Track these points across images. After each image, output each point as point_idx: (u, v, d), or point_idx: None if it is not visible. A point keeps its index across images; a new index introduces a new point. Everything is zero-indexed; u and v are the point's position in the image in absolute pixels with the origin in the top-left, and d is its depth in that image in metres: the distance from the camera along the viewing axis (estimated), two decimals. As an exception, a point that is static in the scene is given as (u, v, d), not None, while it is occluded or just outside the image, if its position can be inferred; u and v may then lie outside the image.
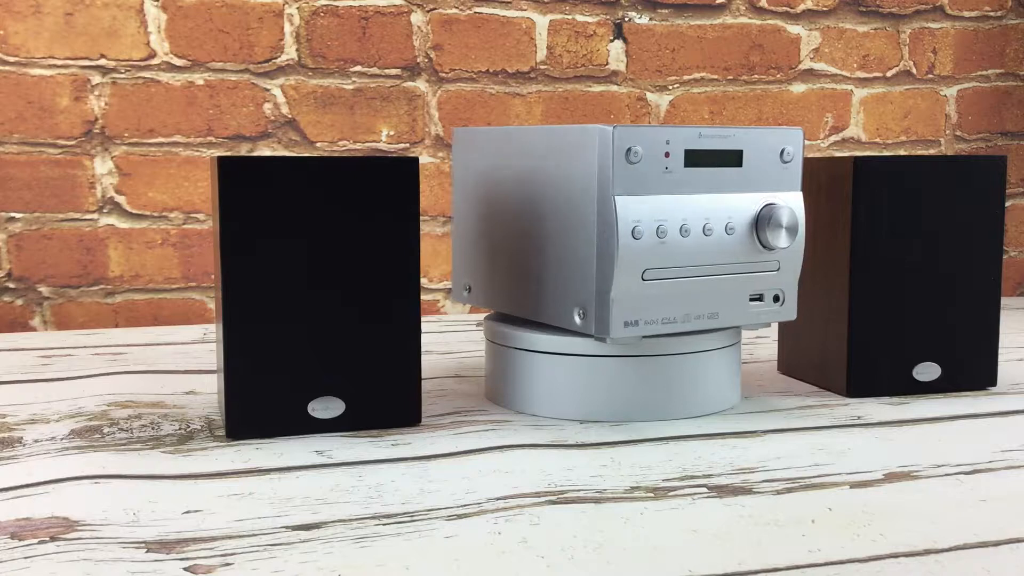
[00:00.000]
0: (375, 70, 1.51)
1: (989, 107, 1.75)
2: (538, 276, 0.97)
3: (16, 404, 1.01)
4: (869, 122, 1.70)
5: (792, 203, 0.96)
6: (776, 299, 0.97)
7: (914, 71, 1.71)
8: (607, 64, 1.59)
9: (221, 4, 1.46)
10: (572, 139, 0.92)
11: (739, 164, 0.94)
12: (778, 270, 0.96)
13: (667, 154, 0.91)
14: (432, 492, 0.76)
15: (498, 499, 0.75)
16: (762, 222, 0.94)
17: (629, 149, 0.89)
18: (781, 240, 0.94)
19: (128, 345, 1.32)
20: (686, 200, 0.92)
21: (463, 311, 1.59)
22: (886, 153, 1.71)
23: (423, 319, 1.02)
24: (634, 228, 0.89)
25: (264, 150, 1.49)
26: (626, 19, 1.59)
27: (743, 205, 0.94)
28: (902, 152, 1.72)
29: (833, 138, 1.69)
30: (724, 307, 0.96)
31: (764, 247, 0.95)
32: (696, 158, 0.92)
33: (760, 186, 0.95)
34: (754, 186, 0.95)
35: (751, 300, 0.96)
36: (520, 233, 0.99)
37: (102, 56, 1.43)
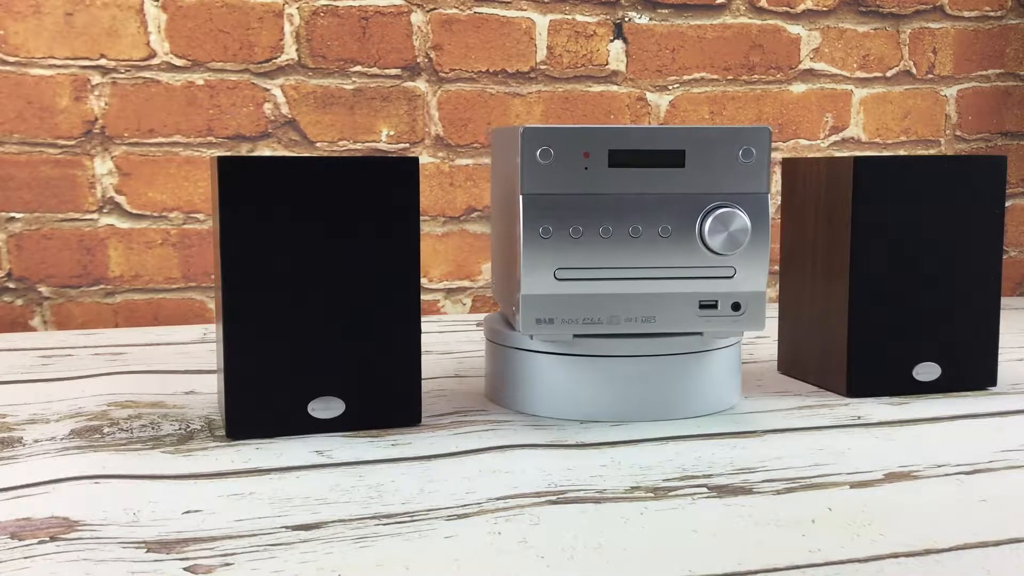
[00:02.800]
0: (375, 70, 1.51)
1: (989, 107, 1.75)
2: (508, 275, 0.99)
3: (16, 404, 1.01)
4: (869, 122, 1.70)
5: (751, 205, 0.92)
6: (736, 307, 0.94)
7: (914, 71, 1.71)
8: (607, 64, 1.59)
9: (221, 4, 1.46)
10: (510, 139, 0.94)
11: (681, 165, 0.91)
12: (733, 276, 0.93)
13: (586, 154, 0.91)
14: (432, 492, 0.76)
15: (498, 499, 0.75)
16: (704, 225, 0.91)
17: (540, 149, 0.90)
18: (724, 244, 0.91)
19: (128, 345, 1.32)
20: (608, 201, 0.91)
21: (463, 311, 1.59)
22: (886, 153, 1.71)
23: (423, 319, 1.02)
24: (542, 227, 0.90)
25: (264, 150, 1.49)
26: (626, 19, 1.59)
27: (684, 207, 0.91)
28: (902, 152, 1.72)
29: (833, 138, 1.69)
30: (663, 312, 0.93)
31: (710, 251, 0.92)
32: (623, 159, 0.91)
33: (718, 187, 0.92)
34: (708, 187, 0.92)
35: (702, 307, 0.93)
36: (502, 235, 1.01)
37: (102, 56, 1.43)
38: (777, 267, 1.32)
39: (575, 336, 0.93)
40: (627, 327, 0.93)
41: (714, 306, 0.93)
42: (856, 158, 1.00)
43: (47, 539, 0.67)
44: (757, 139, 0.92)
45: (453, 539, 0.67)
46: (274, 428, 0.89)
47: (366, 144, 1.52)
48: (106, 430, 0.92)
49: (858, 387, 1.03)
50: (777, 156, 1.67)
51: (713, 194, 0.92)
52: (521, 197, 0.91)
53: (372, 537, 0.68)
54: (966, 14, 1.72)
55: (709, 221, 0.90)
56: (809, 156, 1.58)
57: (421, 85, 1.53)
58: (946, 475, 0.80)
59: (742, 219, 0.91)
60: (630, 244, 0.91)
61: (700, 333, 0.94)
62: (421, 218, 1.51)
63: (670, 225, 0.91)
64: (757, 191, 0.92)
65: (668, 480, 0.79)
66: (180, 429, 0.92)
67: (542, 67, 1.56)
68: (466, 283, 1.58)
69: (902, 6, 1.69)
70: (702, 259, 0.92)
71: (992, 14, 1.73)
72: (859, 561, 0.64)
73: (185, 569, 0.62)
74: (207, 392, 1.06)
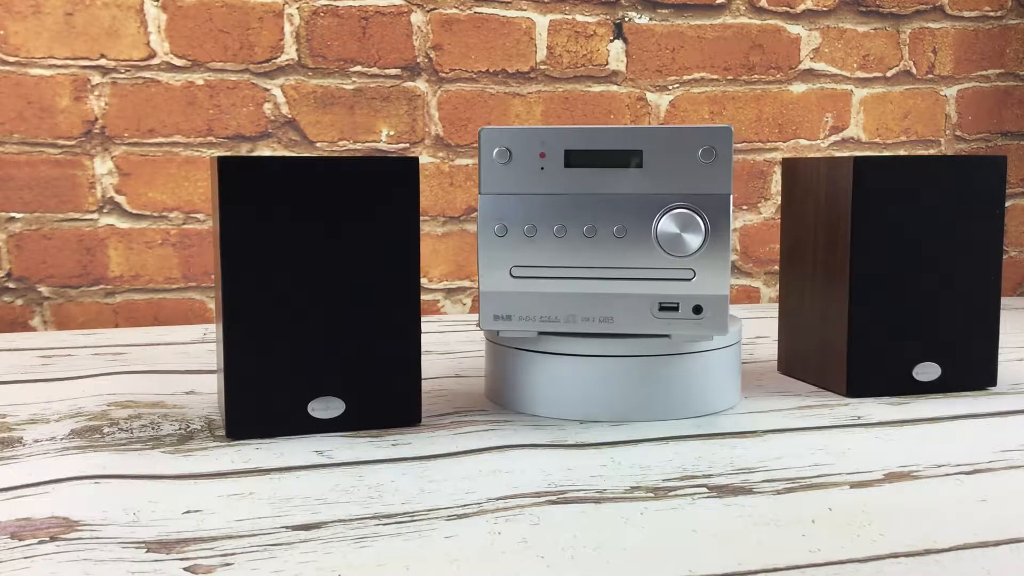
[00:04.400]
0: (375, 70, 1.51)
1: (989, 107, 1.75)
2: None
3: (16, 404, 1.01)
4: (869, 122, 1.70)
5: (711, 206, 0.90)
6: (697, 310, 0.92)
7: (914, 71, 1.71)
8: (607, 64, 1.59)
9: (221, 4, 1.46)
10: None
11: (639, 165, 0.91)
12: (692, 279, 0.92)
13: (542, 154, 0.92)
14: (432, 492, 0.76)
15: (498, 499, 0.75)
16: (659, 226, 0.90)
17: (497, 149, 0.92)
18: (677, 246, 0.90)
19: (128, 345, 1.32)
20: (563, 200, 0.92)
21: (463, 311, 1.59)
22: (886, 153, 1.71)
23: (423, 319, 1.02)
24: (497, 226, 0.92)
25: (264, 150, 1.49)
26: (626, 19, 1.59)
27: (640, 208, 0.91)
28: (902, 152, 1.72)
29: (833, 138, 1.69)
30: (621, 313, 0.93)
31: (666, 253, 0.91)
32: (579, 159, 0.92)
33: (677, 187, 0.91)
34: (667, 187, 0.91)
35: (662, 309, 0.92)
36: None
37: (102, 56, 1.43)
38: (777, 267, 1.32)
39: (540, 334, 0.94)
40: (585, 327, 0.94)
41: (675, 308, 0.92)
42: (856, 158, 1.00)
43: (47, 539, 0.67)
44: (718, 139, 0.90)
45: (453, 539, 0.67)
46: (274, 428, 0.89)
47: (366, 144, 1.52)
48: (106, 430, 0.92)
49: (858, 387, 1.03)
50: (777, 156, 1.67)
51: (671, 194, 0.91)
52: (480, 196, 0.93)
53: (372, 537, 0.68)
54: (966, 14, 1.72)
55: (663, 222, 0.90)
56: (809, 156, 1.58)
57: (421, 85, 1.53)
58: (946, 475, 0.80)
59: (697, 220, 0.90)
60: (585, 244, 0.92)
61: (668, 336, 0.94)
62: (421, 218, 1.51)
63: (626, 225, 0.91)
64: (717, 192, 0.91)
65: (668, 480, 0.79)
66: (180, 429, 0.92)
67: (542, 67, 1.56)
68: (466, 283, 1.58)
69: (902, 6, 1.69)
70: (659, 260, 0.91)
71: (992, 14, 1.73)
72: (859, 561, 0.64)
73: (185, 569, 0.62)
74: (207, 392, 1.06)
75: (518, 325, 0.94)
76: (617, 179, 0.91)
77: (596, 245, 0.92)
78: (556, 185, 0.92)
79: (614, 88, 1.59)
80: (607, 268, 0.92)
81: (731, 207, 0.91)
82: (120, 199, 1.46)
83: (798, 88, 1.66)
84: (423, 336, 1.07)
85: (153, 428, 0.92)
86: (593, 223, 0.91)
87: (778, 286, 1.18)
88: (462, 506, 0.73)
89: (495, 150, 0.92)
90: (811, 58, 1.66)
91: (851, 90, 1.69)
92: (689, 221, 0.89)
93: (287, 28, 1.48)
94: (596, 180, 0.92)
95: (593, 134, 0.92)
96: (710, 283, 0.91)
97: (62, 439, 0.89)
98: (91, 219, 1.46)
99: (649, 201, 0.91)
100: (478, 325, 0.96)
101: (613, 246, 0.92)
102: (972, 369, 1.05)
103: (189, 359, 1.23)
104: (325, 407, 0.90)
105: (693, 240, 0.90)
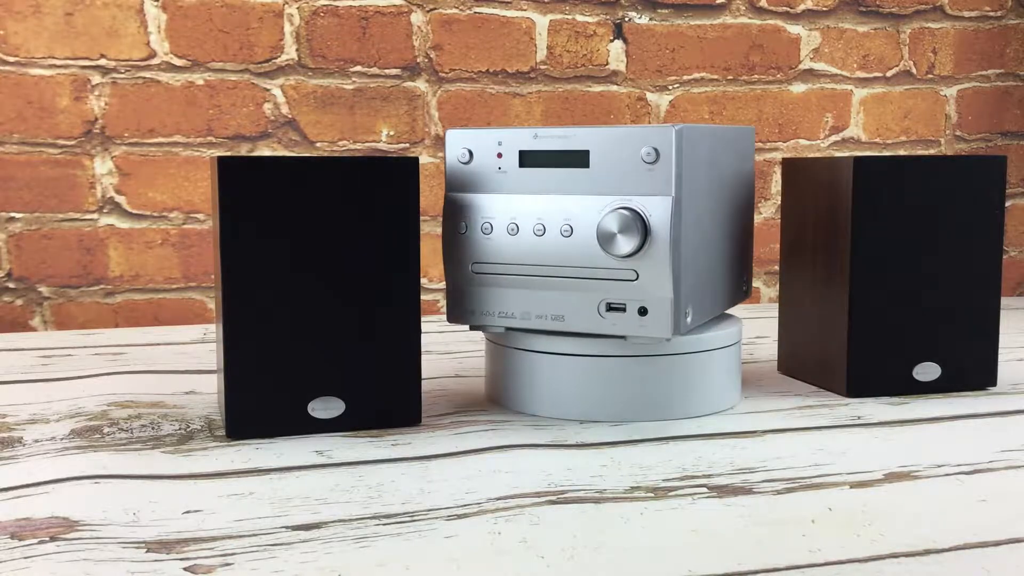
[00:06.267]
0: (375, 70, 1.51)
1: (989, 107, 1.75)
2: None
3: (16, 404, 1.01)
4: (869, 122, 1.70)
5: (654, 208, 0.88)
6: (642, 312, 0.91)
7: (914, 71, 1.71)
8: (607, 64, 1.59)
9: (221, 4, 1.46)
10: None
11: (586, 165, 0.91)
12: (636, 279, 0.90)
13: (499, 155, 0.94)
14: (432, 492, 0.76)
15: (498, 499, 0.75)
16: (599, 226, 0.90)
17: (459, 150, 0.96)
18: (614, 247, 0.89)
19: (128, 345, 1.32)
20: (516, 200, 0.94)
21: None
22: (886, 153, 1.71)
23: (423, 319, 1.02)
24: (459, 223, 0.96)
25: (264, 150, 1.49)
26: (626, 19, 1.59)
27: (585, 208, 0.91)
28: (902, 152, 1.72)
29: (833, 138, 1.69)
30: (571, 311, 0.93)
31: (607, 253, 0.90)
32: (531, 159, 0.93)
33: (620, 188, 0.90)
34: (611, 188, 0.90)
35: (610, 309, 0.92)
36: None
37: (102, 56, 1.43)
38: (777, 267, 1.32)
39: (508, 328, 0.97)
40: (538, 323, 0.95)
41: (622, 309, 0.92)
42: (856, 158, 1.00)
43: (47, 539, 0.67)
44: (662, 139, 0.89)
45: (453, 539, 0.67)
46: (274, 428, 0.89)
47: (366, 144, 1.52)
48: (106, 430, 0.92)
49: (858, 387, 1.03)
50: (777, 156, 1.67)
51: (615, 195, 0.90)
52: (445, 195, 0.97)
53: (372, 537, 0.68)
54: (966, 14, 1.72)
55: (602, 222, 0.89)
56: (809, 156, 1.58)
57: (421, 85, 1.53)
58: (946, 475, 0.80)
59: (633, 222, 0.88)
60: (536, 243, 0.93)
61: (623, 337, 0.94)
62: (421, 218, 1.51)
63: (572, 225, 0.92)
64: (660, 193, 0.89)
65: (668, 480, 0.79)
66: (180, 429, 0.92)
67: (542, 67, 1.56)
68: (466, 283, 1.58)
69: (902, 6, 1.69)
70: (604, 260, 0.91)
71: (992, 14, 1.73)
72: (859, 561, 0.64)
73: (185, 569, 0.62)
74: (207, 392, 1.06)
75: (480, 320, 0.97)
76: (566, 179, 0.92)
77: (546, 244, 0.93)
78: (511, 185, 0.94)
79: (614, 88, 1.59)
80: (556, 267, 0.93)
81: (676, 209, 0.88)
82: (120, 199, 1.46)
83: (798, 88, 1.66)
84: (423, 336, 1.07)
85: (153, 428, 0.92)
86: (543, 222, 0.93)
87: (778, 286, 1.18)
88: (462, 506, 0.73)
89: (458, 151, 0.96)
90: (811, 58, 1.66)
91: (851, 90, 1.69)
92: (626, 222, 0.88)
93: (287, 28, 1.48)
94: (547, 180, 0.93)
95: (544, 135, 0.93)
96: (652, 285, 0.90)
97: (62, 439, 0.89)
98: (91, 219, 1.46)
99: (593, 202, 0.91)
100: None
101: (561, 245, 0.92)
102: (972, 369, 1.05)
103: (189, 359, 1.23)
104: (325, 407, 0.90)
105: (629, 241, 0.89)
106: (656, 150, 0.88)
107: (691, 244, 0.92)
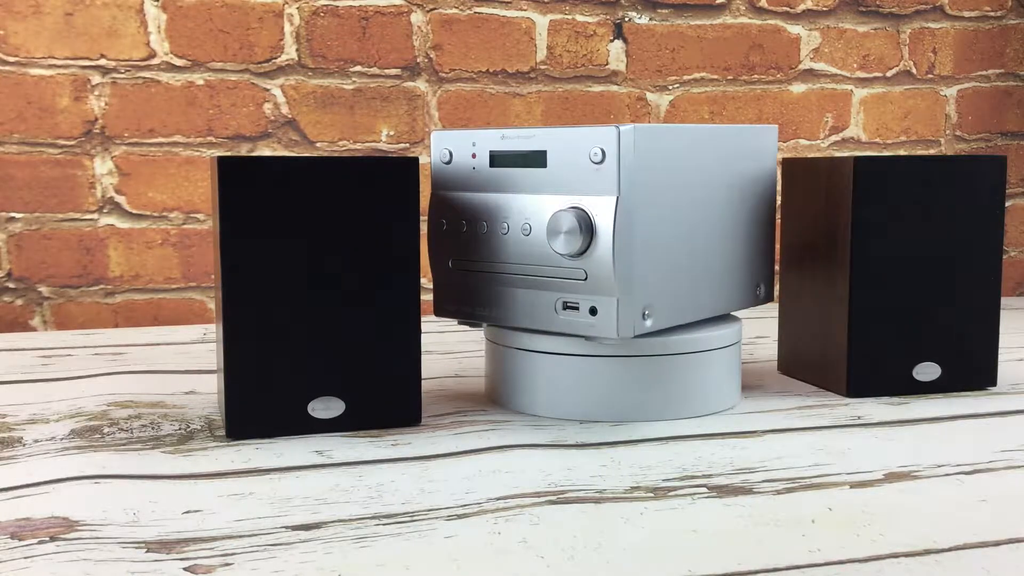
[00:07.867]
0: (375, 70, 1.51)
1: (989, 107, 1.75)
2: None
3: (16, 404, 1.01)
4: (869, 122, 1.70)
5: (595, 208, 0.88)
6: (592, 312, 0.91)
7: (914, 71, 1.71)
8: (607, 64, 1.59)
9: (221, 4, 1.46)
10: None
11: (544, 165, 0.92)
12: (586, 279, 0.90)
13: (474, 155, 0.97)
14: (432, 492, 0.76)
15: (498, 499, 0.75)
16: (548, 226, 0.90)
17: (441, 151, 1.00)
18: (559, 246, 0.90)
19: (128, 345, 1.32)
20: (486, 198, 0.96)
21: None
22: (886, 153, 1.71)
23: (423, 319, 1.02)
24: (440, 221, 1.00)
25: (264, 150, 1.49)
26: (626, 19, 1.59)
27: (541, 207, 0.92)
28: (902, 152, 1.72)
29: (833, 138, 1.69)
30: (534, 310, 0.95)
31: (556, 253, 0.91)
32: (500, 159, 0.95)
33: (572, 188, 0.91)
34: (565, 188, 0.91)
35: (566, 308, 0.93)
36: None
37: (102, 56, 1.43)
38: (777, 267, 1.32)
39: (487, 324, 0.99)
40: (508, 319, 0.97)
41: (576, 308, 0.92)
42: (856, 158, 1.00)
43: (47, 539, 0.67)
44: (606, 140, 0.89)
45: (453, 539, 0.67)
46: (274, 428, 0.89)
47: (366, 144, 1.52)
48: (106, 430, 0.92)
49: (858, 387, 1.03)
50: (777, 156, 1.66)
51: (568, 195, 0.91)
52: (432, 194, 1.01)
53: (372, 537, 0.68)
54: (966, 14, 1.72)
55: (551, 222, 0.90)
56: (809, 156, 1.58)
57: (421, 85, 1.53)
58: (946, 475, 0.80)
59: (574, 222, 0.89)
60: (502, 241, 0.95)
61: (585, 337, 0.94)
62: (421, 218, 1.51)
63: (531, 224, 0.93)
64: (606, 193, 0.89)
65: (668, 480, 0.79)
66: (180, 429, 0.92)
67: (542, 67, 1.56)
68: (466, 283, 1.58)
69: (902, 6, 1.69)
70: (558, 260, 0.92)
71: (992, 14, 1.73)
72: (859, 561, 0.64)
73: (185, 569, 0.62)
74: (207, 392, 1.06)
75: (460, 315, 1.01)
76: (528, 179, 0.94)
77: (509, 243, 0.95)
78: (482, 184, 0.97)
79: (614, 88, 1.59)
80: (519, 265, 0.95)
81: (622, 209, 0.88)
82: (120, 199, 1.46)
83: (798, 88, 1.66)
84: (423, 336, 1.07)
85: (153, 428, 0.92)
86: (507, 221, 0.95)
87: (778, 286, 1.18)
88: (462, 506, 0.73)
89: (440, 151, 1.00)
90: (811, 58, 1.66)
91: (851, 90, 1.69)
92: (570, 223, 0.89)
93: (287, 28, 1.48)
94: (513, 180, 0.95)
95: (511, 135, 0.95)
96: (599, 285, 0.90)
97: (62, 439, 0.89)
98: (91, 219, 1.46)
99: (549, 201, 0.92)
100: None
101: (522, 244, 0.94)
102: (972, 369, 1.05)
103: (189, 359, 1.23)
104: (325, 407, 0.90)
105: (572, 241, 0.89)
106: (603, 150, 0.89)
107: (653, 245, 0.91)
